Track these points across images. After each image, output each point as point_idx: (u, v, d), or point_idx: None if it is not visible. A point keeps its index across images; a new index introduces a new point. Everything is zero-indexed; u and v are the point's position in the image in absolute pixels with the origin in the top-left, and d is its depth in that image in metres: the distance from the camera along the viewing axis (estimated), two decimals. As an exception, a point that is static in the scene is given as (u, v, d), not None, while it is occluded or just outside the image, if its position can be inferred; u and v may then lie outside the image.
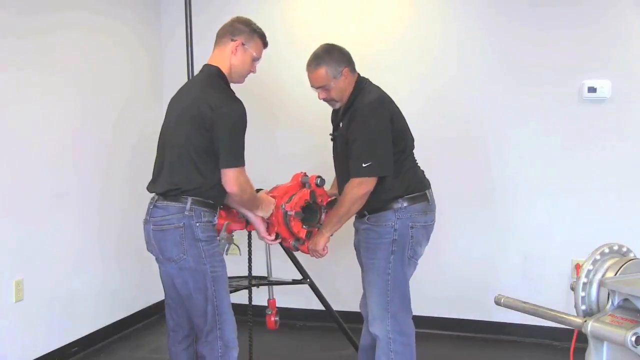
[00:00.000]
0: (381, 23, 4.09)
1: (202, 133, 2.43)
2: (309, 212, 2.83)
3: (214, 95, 2.46)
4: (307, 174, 2.89)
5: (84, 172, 3.74)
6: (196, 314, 2.54)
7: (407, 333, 2.75)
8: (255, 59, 2.63)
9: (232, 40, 2.57)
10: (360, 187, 2.63)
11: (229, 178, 2.46)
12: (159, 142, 2.64)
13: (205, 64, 2.62)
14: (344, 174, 2.74)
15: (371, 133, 2.62)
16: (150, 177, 2.64)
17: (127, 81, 4.17)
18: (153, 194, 2.59)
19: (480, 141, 3.97)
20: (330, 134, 2.91)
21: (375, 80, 2.83)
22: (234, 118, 2.45)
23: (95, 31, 3.84)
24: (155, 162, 2.64)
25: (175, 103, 2.63)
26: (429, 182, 2.85)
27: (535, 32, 3.82)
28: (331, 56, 2.71)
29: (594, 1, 3.74)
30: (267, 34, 2.67)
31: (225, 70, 2.57)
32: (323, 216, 2.87)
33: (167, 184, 2.50)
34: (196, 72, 3.32)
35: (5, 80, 3.20)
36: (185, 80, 3.39)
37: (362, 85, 2.76)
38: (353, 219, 2.84)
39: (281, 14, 4.23)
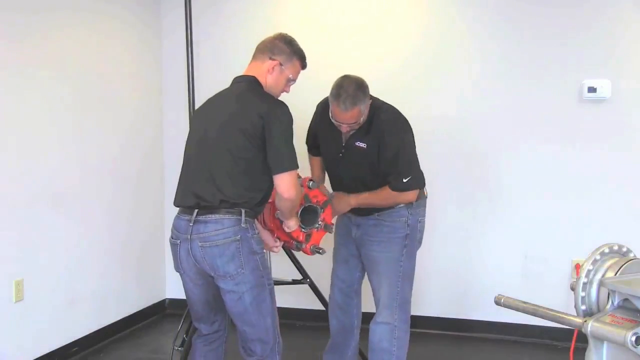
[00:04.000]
0: (379, 27, 4.10)
1: (253, 144, 2.37)
2: (307, 213, 2.84)
3: (261, 103, 2.41)
4: (300, 175, 2.90)
5: (84, 172, 3.73)
6: (254, 331, 2.45)
7: (408, 321, 2.93)
8: (291, 80, 2.59)
9: (271, 58, 2.52)
10: (405, 196, 2.82)
11: (288, 182, 2.39)
12: (191, 152, 2.52)
13: (241, 75, 2.56)
14: (359, 185, 2.86)
15: (407, 148, 2.81)
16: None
17: (127, 81, 4.15)
18: (190, 209, 2.42)
19: (480, 141, 3.97)
20: (339, 153, 2.88)
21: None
22: (286, 122, 2.41)
23: (95, 32, 3.84)
24: (187, 175, 2.51)
25: (212, 113, 2.52)
26: (424, 179, 3.00)
27: (535, 33, 3.83)
28: (364, 93, 2.70)
29: (594, 2, 3.75)
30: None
31: (262, 83, 2.52)
32: (321, 215, 2.87)
33: (217, 196, 2.37)
34: (197, 73, 3.35)
35: (7, 80, 3.20)
36: (185, 82, 3.37)
37: (374, 105, 2.80)
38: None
39: (278, 16, 4.22)
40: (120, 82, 4.09)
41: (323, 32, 4.12)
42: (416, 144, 2.88)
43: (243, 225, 2.38)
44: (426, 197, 2.99)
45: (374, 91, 2.79)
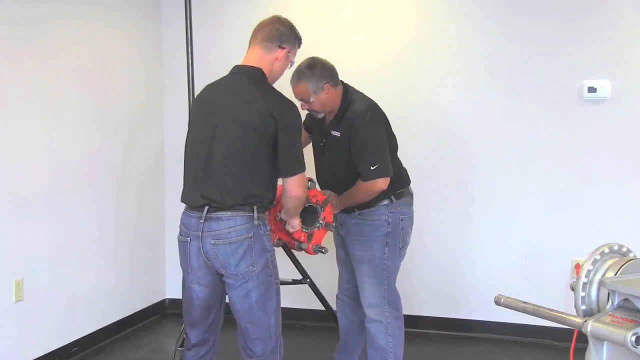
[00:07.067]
0: (380, 32, 4.10)
1: (263, 143, 2.34)
2: (307, 213, 2.84)
3: (271, 102, 2.37)
4: None
5: (84, 172, 3.73)
6: (257, 330, 2.42)
7: (400, 317, 2.98)
8: (291, 63, 2.61)
9: (280, 47, 2.48)
10: (376, 185, 2.80)
11: (297, 182, 2.41)
12: (196, 149, 2.44)
13: (245, 65, 2.48)
14: (336, 174, 2.93)
15: (374, 139, 2.81)
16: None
17: (127, 81, 4.16)
18: (201, 206, 2.37)
19: (480, 141, 3.96)
20: (321, 141, 2.96)
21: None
22: (296, 123, 2.42)
23: (97, 37, 3.84)
24: (195, 175, 2.43)
25: (217, 108, 2.43)
26: (409, 177, 3.03)
27: (535, 33, 3.82)
28: (312, 72, 2.79)
29: (594, 2, 3.75)
30: None
31: (266, 72, 2.48)
32: (321, 214, 2.88)
33: (227, 200, 2.33)
34: (196, 72, 3.34)
35: (10, 82, 3.20)
36: (185, 80, 3.35)
37: (350, 95, 2.88)
38: None
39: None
40: (121, 82, 4.08)
41: (323, 27, 4.11)
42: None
43: (255, 222, 2.36)
44: (411, 196, 3.00)
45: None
